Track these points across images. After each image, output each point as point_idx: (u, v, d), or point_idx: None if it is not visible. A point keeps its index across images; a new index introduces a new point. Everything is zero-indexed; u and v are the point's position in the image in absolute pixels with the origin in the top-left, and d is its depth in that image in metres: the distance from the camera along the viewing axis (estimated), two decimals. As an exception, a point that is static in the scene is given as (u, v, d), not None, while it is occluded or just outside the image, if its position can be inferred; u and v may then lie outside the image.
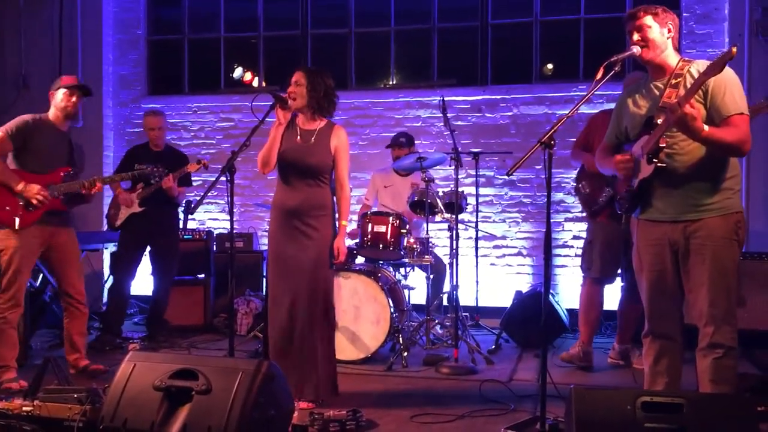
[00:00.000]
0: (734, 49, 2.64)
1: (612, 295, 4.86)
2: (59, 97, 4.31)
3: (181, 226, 6.40)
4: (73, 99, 4.32)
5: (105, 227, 5.92)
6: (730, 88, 2.89)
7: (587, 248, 4.75)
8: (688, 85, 2.87)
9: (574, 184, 4.93)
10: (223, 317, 6.04)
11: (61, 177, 4.27)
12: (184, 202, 6.25)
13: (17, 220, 4.08)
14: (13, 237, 4.09)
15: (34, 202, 4.09)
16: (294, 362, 3.70)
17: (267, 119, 3.65)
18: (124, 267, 5.42)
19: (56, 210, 4.24)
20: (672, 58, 3.03)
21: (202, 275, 6.14)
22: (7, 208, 4.08)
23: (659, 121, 2.91)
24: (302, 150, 3.81)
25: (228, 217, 3.59)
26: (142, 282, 5.94)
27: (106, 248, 6.20)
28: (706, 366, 2.95)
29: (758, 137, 5.77)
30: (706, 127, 2.79)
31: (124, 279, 5.42)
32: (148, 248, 5.48)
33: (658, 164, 2.91)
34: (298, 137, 3.84)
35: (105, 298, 5.65)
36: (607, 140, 3.33)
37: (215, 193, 6.83)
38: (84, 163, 4.61)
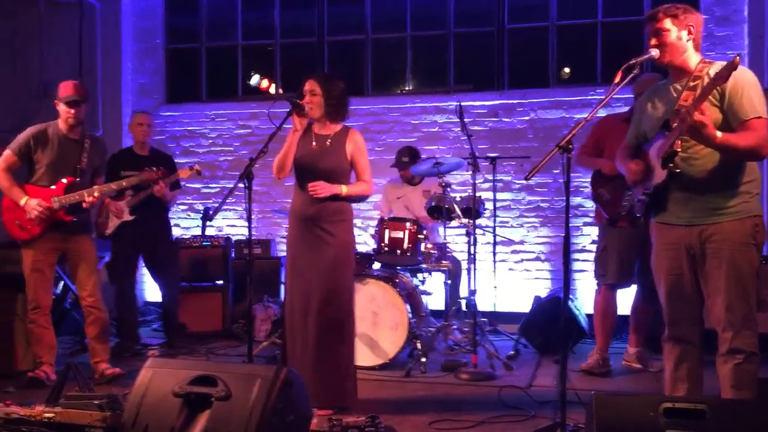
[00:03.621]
0: (737, 59, 2.63)
1: (625, 299, 4.82)
2: (61, 109, 4.36)
3: (200, 232, 6.46)
4: (72, 111, 4.33)
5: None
6: (748, 91, 2.85)
7: (601, 255, 4.67)
8: None
9: (592, 191, 4.84)
10: (241, 323, 6.04)
11: (63, 188, 4.31)
12: (203, 210, 6.30)
13: (26, 233, 4.30)
14: (27, 248, 4.33)
15: (33, 216, 4.22)
16: (313, 368, 3.70)
17: (284, 126, 3.67)
18: (124, 275, 5.42)
19: (61, 221, 4.30)
20: (692, 59, 2.98)
21: (221, 282, 6.16)
22: (17, 222, 4.30)
23: (675, 125, 2.88)
24: (318, 154, 3.82)
25: (246, 224, 3.60)
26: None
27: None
28: (727, 372, 2.92)
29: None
30: (719, 134, 2.74)
31: (127, 286, 5.43)
32: (143, 254, 5.47)
33: (673, 169, 2.87)
34: (314, 143, 3.85)
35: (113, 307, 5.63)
36: (628, 141, 3.31)
37: (233, 200, 6.86)
38: (104, 165, 4.64)
